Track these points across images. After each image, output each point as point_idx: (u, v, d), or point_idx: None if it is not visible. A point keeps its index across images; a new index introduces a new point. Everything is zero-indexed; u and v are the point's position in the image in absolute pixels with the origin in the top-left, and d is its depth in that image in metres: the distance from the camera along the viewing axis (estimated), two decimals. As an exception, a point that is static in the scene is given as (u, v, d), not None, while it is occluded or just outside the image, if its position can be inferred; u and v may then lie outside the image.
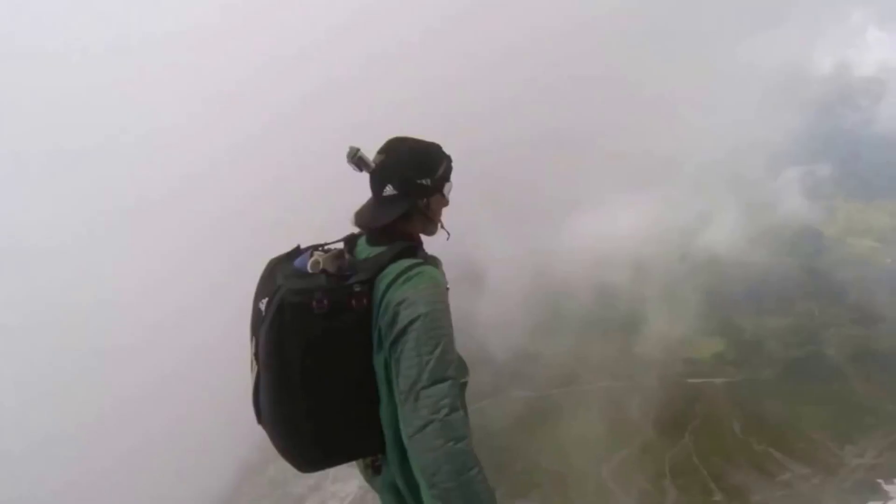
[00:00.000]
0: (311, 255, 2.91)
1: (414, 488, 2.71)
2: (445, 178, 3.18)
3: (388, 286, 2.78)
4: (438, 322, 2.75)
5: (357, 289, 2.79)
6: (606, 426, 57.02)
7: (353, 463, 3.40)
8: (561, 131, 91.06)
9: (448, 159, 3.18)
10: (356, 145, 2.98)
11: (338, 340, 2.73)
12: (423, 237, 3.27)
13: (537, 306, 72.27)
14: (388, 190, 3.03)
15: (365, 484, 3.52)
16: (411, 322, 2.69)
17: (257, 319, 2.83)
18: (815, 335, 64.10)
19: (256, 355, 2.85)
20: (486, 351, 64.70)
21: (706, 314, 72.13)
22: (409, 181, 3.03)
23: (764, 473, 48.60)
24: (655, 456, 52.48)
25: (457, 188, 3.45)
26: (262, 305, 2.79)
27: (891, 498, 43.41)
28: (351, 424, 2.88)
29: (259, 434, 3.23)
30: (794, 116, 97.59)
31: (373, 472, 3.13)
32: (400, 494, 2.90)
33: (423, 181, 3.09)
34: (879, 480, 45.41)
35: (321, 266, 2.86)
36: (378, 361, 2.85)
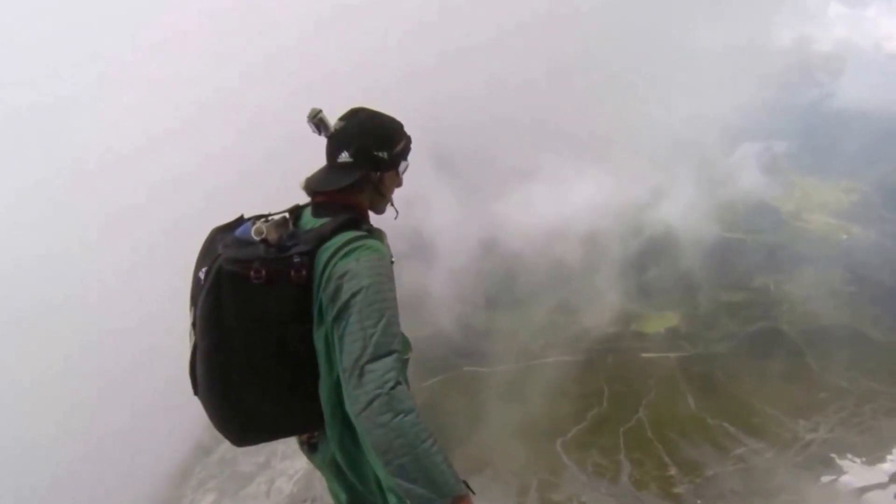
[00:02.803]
0: (254, 224, 2.75)
1: (354, 464, 2.74)
2: (403, 156, 3.14)
3: (330, 258, 2.68)
4: (382, 294, 2.62)
5: (296, 259, 2.67)
6: (560, 401, 57.01)
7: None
8: (516, 107, 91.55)
9: (408, 139, 3.16)
10: (318, 107, 2.83)
11: (275, 312, 2.63)
12: (372, 215, 3.17)
13: (489, 281, 73.06)
14: (344, 157, 2.92)
15: (314, 461, 3.54)
16: (354, 295, 2.57)
17: (196, 288, 2.74)
18: (769, 310, 65.34)
19: (194, 325, 2.75)
20: (436, 326, 64.24)
21: (660, 289, 73.55)
22: (366, 150, 2.94)
23: (718, 448, 49.12)
24: (610, 431, 52.61)
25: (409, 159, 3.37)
26: (202, 274, 2.67)
27: (844, 472, 44.12)
28: (287, 399, 2.76)
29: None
30: (752, 92, 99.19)
31: (308, 448, 3.09)
32: (341, 470, 2.87)
33: (381, 154, 2.98)
34: (832, 455, 46.38)
35: (263, 234, 2.70)
36: (318, 336, 2.71)
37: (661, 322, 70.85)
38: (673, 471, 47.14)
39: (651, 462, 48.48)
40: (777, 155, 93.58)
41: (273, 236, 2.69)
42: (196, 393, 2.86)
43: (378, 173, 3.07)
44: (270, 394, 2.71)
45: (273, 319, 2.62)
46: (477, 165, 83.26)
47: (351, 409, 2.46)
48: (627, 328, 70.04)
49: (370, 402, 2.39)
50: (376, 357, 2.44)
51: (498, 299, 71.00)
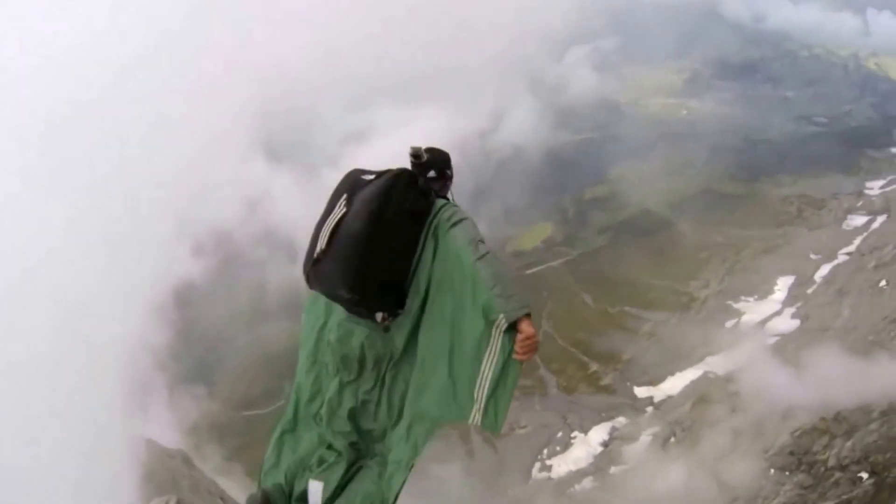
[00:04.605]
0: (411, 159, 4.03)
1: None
2: (451, 176, 4.29)
3: (439, 210, 3.78)
4: (468, 223, 3.72)
5: (437, 202, 3.87)
6: None
7: None
8: (348, 66, 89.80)
9: (451, 168, 4.34)
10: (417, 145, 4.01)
11: (415, 215, 3.67)
12: None
13: None
14: (431, 173, 3.97)
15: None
16: (459, 220, 3.69)
17: (353, 186, 3.71)
18: (633, 196, 68.64)
19: (343, 217, 3.55)
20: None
21: (525, 205, 75.64)
22: (442, 171, 4.12)
23: (627, 331, 51.34)
24: (521, 348, 53.05)
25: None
26: (370, 177, 3.69)
27: (743, 313, 47.36)
28: (389, 280, 3.53)
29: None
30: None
31: (382, 329, 3.63)
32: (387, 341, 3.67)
33: (448, 172, 4.23)
34: (728, 302, 49.81)
35: (420, 153, 4.01)
36: (426, 253, 3.66)
37: (535, 236, 72.91)
38: (594, 366, 48.81)
39: (571, 366, 49.84)
40: (605, 52, 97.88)
41: (424, 157, 4.01)
42: (310, 285, 3.71)
43: (445, 182, 4.23)
44: (385, 271, 3.47)
45: (415, 221, 3.65)
46: (316, 139, 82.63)
47: (473, 256, 3.44)
48: (505, 251, 70.51)
49: (485, 255, 3.44)
50: (492, 256, 3.50)
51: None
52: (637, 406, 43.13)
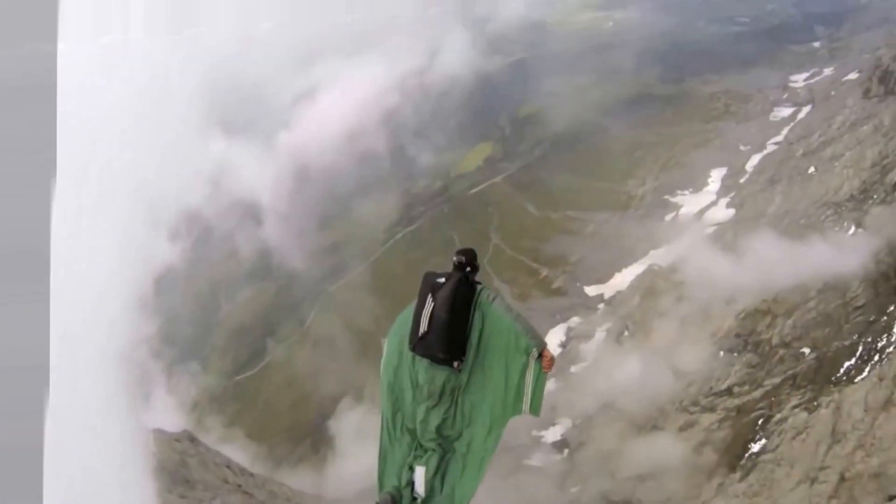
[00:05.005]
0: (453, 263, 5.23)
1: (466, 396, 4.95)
2: (478, 267, 5.28)
3: (479, 293, 4.96)
4: (500, 299, 5.04)
5: (477, 287, 5.08)
6: (420, 266, 56.53)
7: None
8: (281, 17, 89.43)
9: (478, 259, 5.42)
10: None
11: (468, 302, 4.86)
12: None
13: (310, 204, 73.57)
14: (468, 269, 5.09)
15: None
16: (494, 297, 4.95)
17: (434, 288, 4.93)
18: (565, 108, 67.40)
19: (434, 310, 4.83)
20: (291, 266, 66.02)
21: (465, 129, 74.77)
22: (474, 265, 5.16)
23: (571, 234, 51.49)
24: (472, 265, 52.93)
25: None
26: (441, 280, 4.95)
27: (680, 206, 47.86)
28: (460, 340, 4.79)
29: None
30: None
31: (455, 372, 4.84)
32: (455, 384, 4.91)
33: (476, 263, 5.23)
34: (665, 197, 50.06)
35: (464, 261, 5.19)
36: (475, 318, 4.92)
37: (476, 156, 72.54)
38: (545, 271, 48.97)
39: (522, 275, 50.17)
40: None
41: (463, 260, 5.15)
42: (412, 348, 4.91)
43: (476, 273, 5.19)
44: (457, 338, 4.71)
45: (467, 305, 4.80)
46: (269, 106, 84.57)
47: (515, 316, 4.83)
48: (449, 176, 71.56)
49: (520, 315, 4.89)
50: (519, 313, 4.93)
51: (328, 218, 71.05)
52: (589, 305, 43.47)
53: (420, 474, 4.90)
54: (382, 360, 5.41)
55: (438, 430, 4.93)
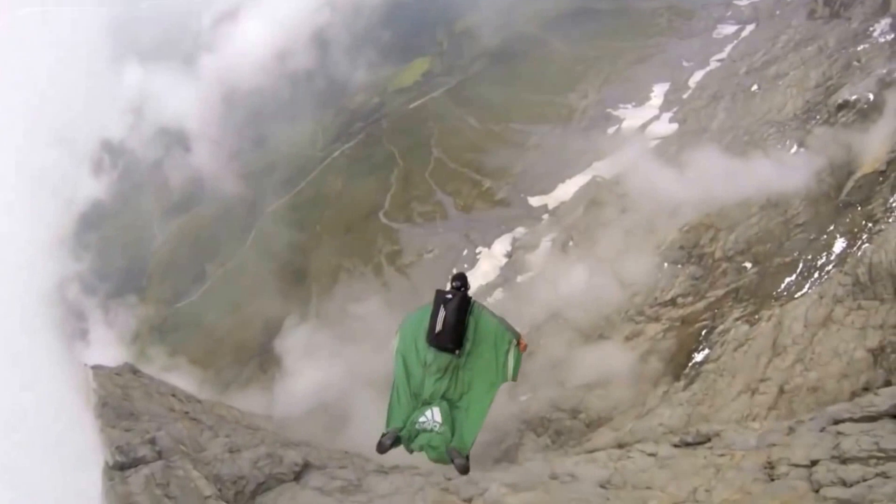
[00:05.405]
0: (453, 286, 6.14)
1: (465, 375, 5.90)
2: (469, 286, 6.15)
3: (472, 305, 5.91)
4: (487, 308, 6.03)
5: (470, 300, 5.96)
6: (362, 181, 55.47)
7: None
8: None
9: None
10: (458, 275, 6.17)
11: (466, 310, 5.80)
12: None
13: (253, 121, 74.04)
14: (463, 289, 5.99)
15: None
16: (483, 308, 5.96)
17: (444, 301, 5.81)
18: (504, 20, 65.45)
19: (445, 316, 5.73)
20: (224, 192, 67.37)
21: (401, 44, 72.91)
22: (467, 284, 6.08)
23: (514, 146, 50.07)
24: (417, 182, 52.13)
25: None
26: (449, 296, 5.83)
27: (623, 119, 47.00)
28: (461, 335, 5.79)
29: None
30: None
31: (456, 357, 5.78)
32: (454, 372, 5.83)
33: (468, 283, 6.19)
34: (608, 110, 48.84)
35: (460, 283, 6.12)
36: (470, 321, 5.87)
37: (414, 71, 70.02)
38: (488, 183, 47.57)
39: (466, 187, 48.84)
40: None
41: (459, 283, 6.09)
42: (429, 342, 5.81)
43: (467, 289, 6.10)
44: (461, 335, 5.76)
45: (466, 312, 5.79)
46: (188, 29, 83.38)
47: (502, 320, 5.91)
48: (387, 91, 69.27)
49: (504, 319, 5.93)
50: (501, 317, 5.98)
51: (262, 140, 69.95)
52: (533, 215, 42.64)
53: (437, 410, 5.69)
54: (396, 344, 6.31)
55: (443, 395, 5.87)
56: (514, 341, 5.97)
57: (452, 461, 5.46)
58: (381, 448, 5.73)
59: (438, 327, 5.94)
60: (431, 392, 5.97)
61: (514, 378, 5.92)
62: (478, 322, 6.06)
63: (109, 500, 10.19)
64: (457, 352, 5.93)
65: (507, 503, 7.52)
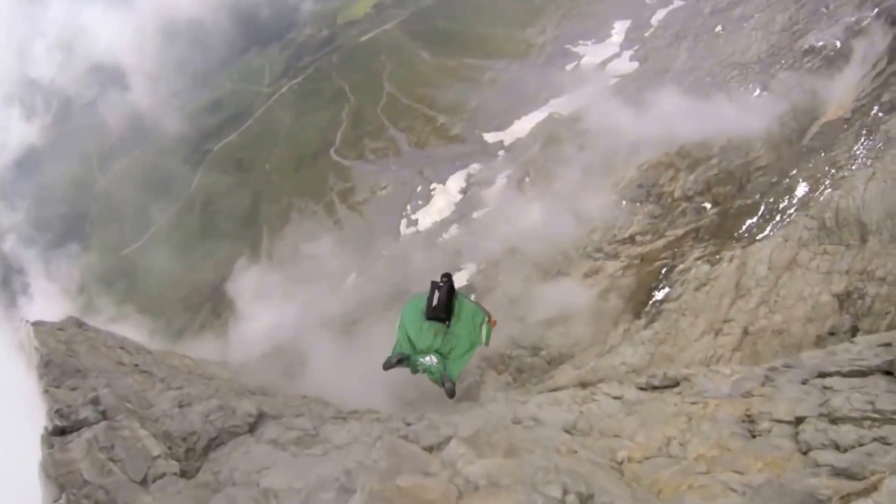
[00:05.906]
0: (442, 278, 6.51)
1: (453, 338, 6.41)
2: (453, 281, 6.61)
3: (456, 293, 6.41)
4: (466, 296, 6.49)
5: (455, 290, 6.48)
6: (313, 117, 53.43)
7: None
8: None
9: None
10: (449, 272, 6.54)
11: (452, 294, 6.29)
12: None
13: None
14: (451, 281, 6.46)
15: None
16: (465, 296, 6.41)
17: (438, 287, 6.31)
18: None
19: (439, 296, 6.23)
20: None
21: None
22: (451, 278, 6.49)
23: (469, 81, 47.48)
24: (369, 117, 49.33)
25: None
26: (442, 282, 6.31)
27: (582, 56, 44.83)
28: (449, 309, 6.23)
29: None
30: None
31: (446, 326, 6.30)
32: (444, 335, 6.31)
33: (453, 279, 6.56)
34: (567, 46, 46.27)
35: (447, 278, 6.57)
36: (455, 302, 6.36)
37: (365, 3, 66.61)
38: (442, 118, 44.54)
39: (419, 123, 46.17)
40: None
41: (446, 279, 6.40)
42: (428, 316, 6.24)
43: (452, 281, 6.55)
44: (450, 311, 6.17)
45: (453, 296, 6.23)
46: None
47: (479, 305, 6.36)
48: (337, 24, 65.81)
49: (480, 305, 6.36)
50: (477, 301, 6.41)
51: (205, 75, 67.14)
52: (489, 151, 40.53)
53: (433, 357, 6.38)
54: (401, 316, 6.78)
55: (437, 350, 6.42)
56: (486, 318, 6.77)
57: (443, 385, 6.34)
58: (388, 365, 6.68)
59: (434, 303, 6.67)
60: (427, 346, 6.70)
61: (487, 343, 6.71)
62: (461, 305, 6.76)
63: (48, 470, 8.47)
64: (447, 322, 6.66)
65: (466, 473, 6.53)
